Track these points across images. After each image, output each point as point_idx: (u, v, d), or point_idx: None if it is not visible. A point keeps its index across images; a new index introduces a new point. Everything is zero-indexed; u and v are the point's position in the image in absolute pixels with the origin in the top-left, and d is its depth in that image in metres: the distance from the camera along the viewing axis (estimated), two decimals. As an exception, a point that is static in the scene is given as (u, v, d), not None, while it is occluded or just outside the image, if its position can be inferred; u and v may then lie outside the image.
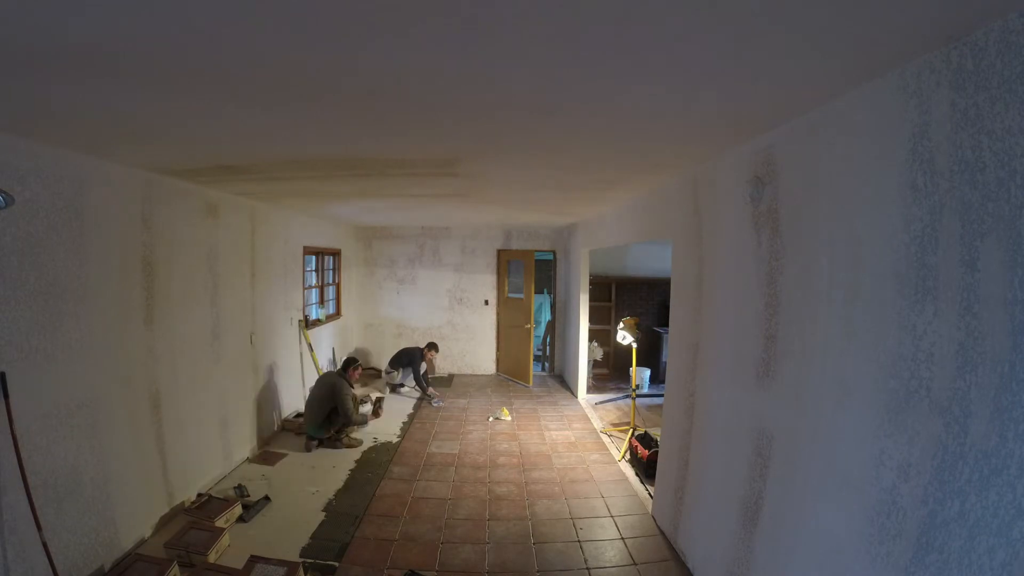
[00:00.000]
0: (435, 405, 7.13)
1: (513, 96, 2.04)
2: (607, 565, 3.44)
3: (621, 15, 1.36)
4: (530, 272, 8.14)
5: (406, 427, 6.21)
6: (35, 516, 2.57)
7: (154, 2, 1.30)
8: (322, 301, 7.77)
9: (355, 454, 5.29)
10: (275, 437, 5.72)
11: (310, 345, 6.70)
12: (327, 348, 7.63)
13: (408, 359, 7.57)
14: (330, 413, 5.33)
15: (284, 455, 5.19)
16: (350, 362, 5.89)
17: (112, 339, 3.25)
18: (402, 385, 7.83)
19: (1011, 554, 1.28)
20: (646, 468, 4.72)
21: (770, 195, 2.49)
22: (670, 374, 3.97)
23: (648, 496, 4.35)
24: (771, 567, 2.42)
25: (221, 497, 3.99)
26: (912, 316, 1.61)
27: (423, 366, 7.53)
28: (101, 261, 3.14)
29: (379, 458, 5.21)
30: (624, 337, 5.90)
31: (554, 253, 9.02)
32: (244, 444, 5.06)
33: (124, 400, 3.37)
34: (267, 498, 4.20)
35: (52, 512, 2.75)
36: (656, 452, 4.48)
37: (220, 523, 3.63)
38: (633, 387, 6.04)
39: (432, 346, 7.89)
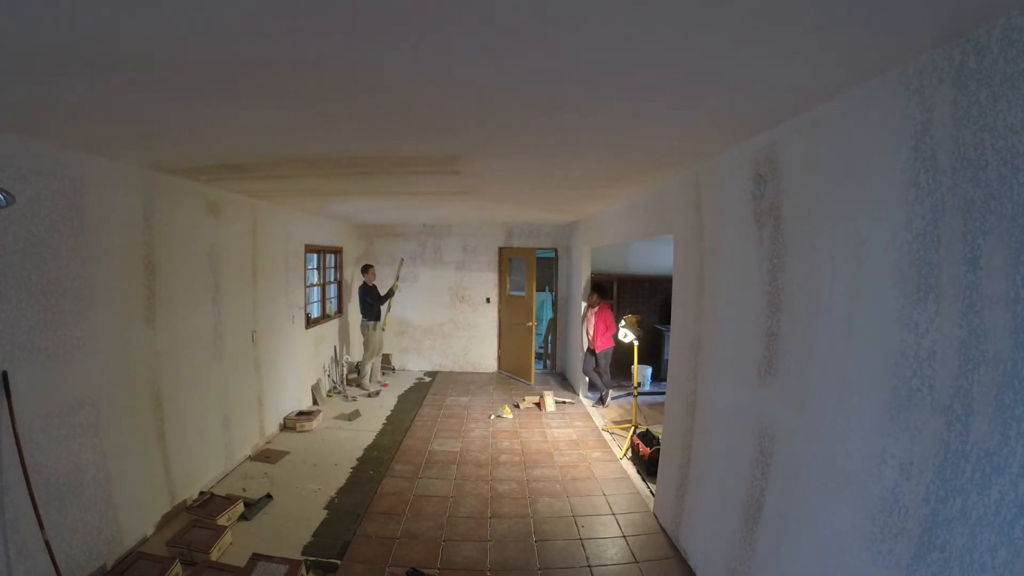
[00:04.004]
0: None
1: (514, 95, 2.04)
2: (608, 563, 3.44)
3: (621, 14, 1.36)
4: (531, 270, 8.14)
5: (408, 425, 6.22)
6: (37, 514, 2.58)
7: (157, 2, 1.30)
8: (324, 299, 7.78)
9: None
10: (277, 435, 5.74)
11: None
12: (328, 347, 7.63)
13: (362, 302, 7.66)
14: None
15: (286, 453, 5.20)
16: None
17: (114, 338, 3.25)
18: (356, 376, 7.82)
19: (1013, 553, 1.28)
20: (648, 466, 4.72)
21: (772, 192, 2.48)
22: (672, 372, 3.96)
23: (650, 494, 4.35)
24: (773, 565, 2.41)
25: (223, 495, 4.00)
26: (914, 314, 1.60)
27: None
28: (103, 260, 3.15)
29: (381, 456, 5.23)
30: (626, 335, 5.90)
31: (556, 251, 9.02)
32: (246, 442, 5.07)
33: (126, 399, 3.38)
34: (269, 496, 4.22)
35: (54, 510, 2.76)
36: (658, 450, 4.48)
37: (222, 521, 3.64)
38: (635, 385, 6.04)
39: (366, 268, 7.83)
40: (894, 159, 1.69)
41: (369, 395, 7.43)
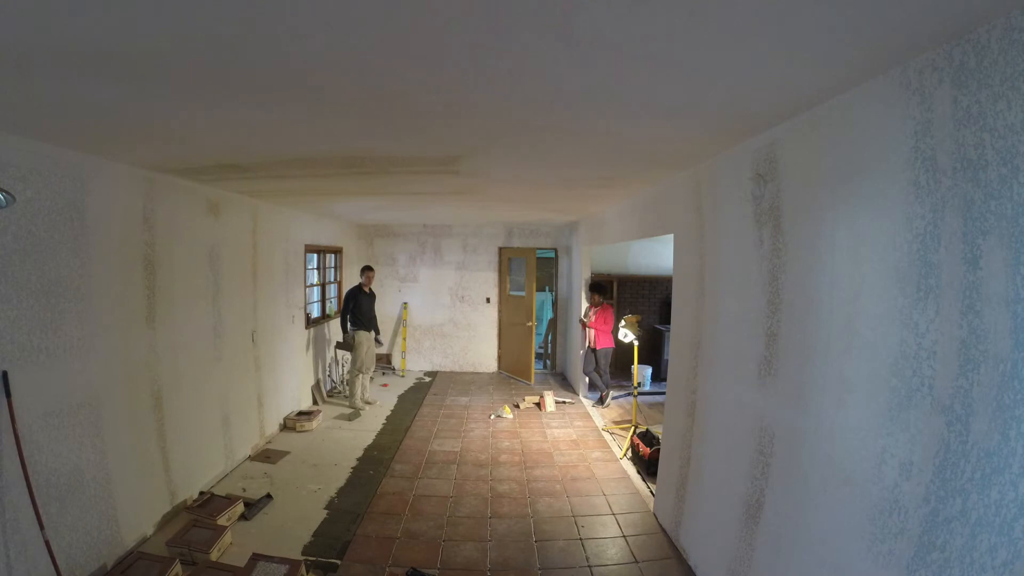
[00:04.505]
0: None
1: (513, 95, 2.03)
2: (608, 563, 3.44)
3: (621, 13, 1.36)
4: (531, 270, 8.14)
5: (408, 425, 6.22)
6: (37, 514, 2.58)
7: (155, 2, 1.30)
8: (324, 299, 7.78)
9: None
10: (277, 435, 5.74)
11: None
12: (329, 346, 7.62)
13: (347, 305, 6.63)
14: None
15: (286, 453, 5.20)
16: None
17: (114, 338, 3.25)
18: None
19: (1013, 553, 1.28)
20: (648, 466, 4.73)
21: (772, 192, 2.48)
22: (672, 372, 3.96)
23: (650, 494, 4.35)
24: (772, 565, 2.41)
25: (223, 495, 4.00)
26: (914, 314, 1.60)
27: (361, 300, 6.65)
28: (103, 260, 3.14)
29: (381, 456, 5.23)
30: (626, 335, 5.90)
31: (556, 251, 9.02)
32: (246, 442, 5.07)
33: (126, 399, 3.38)
34: (269, 496, 4.21)
35: (54, 510, 2.76)
36: (658, 450, 4.48)
37: (222, 521, 3.64)
38: (635, 385, 6.04)
39: (366, 268, 6.85)
40: (894, 159, 1.69)
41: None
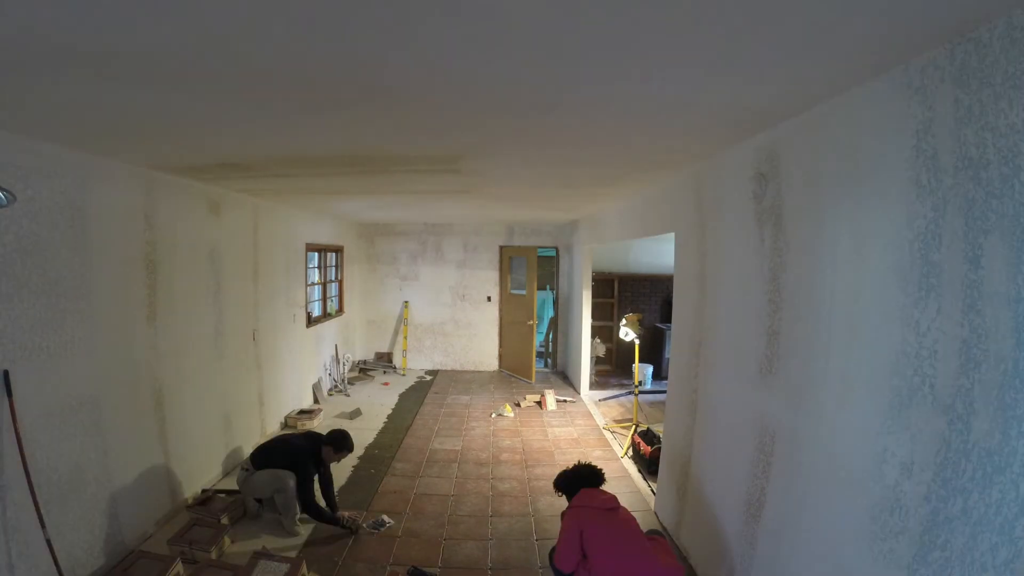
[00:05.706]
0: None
1: (514, 93, 2.03)
2: (609, 561, 3.44)
3: (622, 12, 1.36)
4: (532, 268, 8.14)
5: (409, 423, 6.22)
6: (39, 514, 2.58)
7: (156, 3, 1.30)
8: (325, 298, 7.78)
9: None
10: (278, 434, 5.73)
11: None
12: (329, 345, 7.64)
13: (290, 459, 3.76)
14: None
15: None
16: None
17: (115, 337, 3.26)
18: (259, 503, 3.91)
19: (1014, 552, 1.28)
20: (648, 464, 4.73)
21: (773, 192, 2.48)
22: (673, 371, 3.96)
23: (650, 492, 4.36)
24: (774, 564, 2.41)
25: (224, 493, 4.00)
26: (915, 313, 1.60)
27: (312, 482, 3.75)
28: (103, 259, 3.15)
29: (382, 454, 5.23)
30: (627, 334, 5.90)
31: (556, 249, 9.02)
32: (247, 440, 5.07)
33: (127, 398, 3.38)
34: (270, 495, 4.20)
35: (56, 510, 2.76)
36: (659, 449, 4.48)
37: (224, 520, 3.64)
38: (636, 383, 6.04)
39: (338, 441, 3.92)
40: (896, 158, 1.69)
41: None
